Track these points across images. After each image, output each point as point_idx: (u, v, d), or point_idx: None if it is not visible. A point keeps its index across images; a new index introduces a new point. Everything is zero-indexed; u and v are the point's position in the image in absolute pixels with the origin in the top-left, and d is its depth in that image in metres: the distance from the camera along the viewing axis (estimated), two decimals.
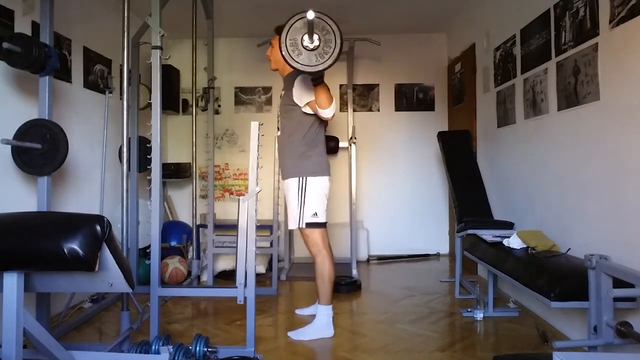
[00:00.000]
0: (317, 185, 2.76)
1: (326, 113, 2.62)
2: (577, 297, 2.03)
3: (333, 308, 3.04)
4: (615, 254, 2.10)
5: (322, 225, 2.78)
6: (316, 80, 2.48)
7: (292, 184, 2.78)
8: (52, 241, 1.59)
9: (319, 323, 2.72)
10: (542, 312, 2.92)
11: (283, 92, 2.89)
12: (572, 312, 2.55)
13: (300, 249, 4.61)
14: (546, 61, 2.84)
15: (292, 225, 2.80)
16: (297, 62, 2.30)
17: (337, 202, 4.84)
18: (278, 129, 2.91)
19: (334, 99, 2.61)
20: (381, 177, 5.19)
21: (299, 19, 2.30)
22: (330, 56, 2.30)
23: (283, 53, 2.29)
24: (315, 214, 2.76)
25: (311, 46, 2.29)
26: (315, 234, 2.76)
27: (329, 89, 2.58)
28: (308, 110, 2.72)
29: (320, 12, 2.30)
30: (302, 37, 2.28)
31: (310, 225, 2.75)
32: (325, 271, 2.75)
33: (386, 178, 5.19)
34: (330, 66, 2.33)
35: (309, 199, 2.75)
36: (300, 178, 2.76)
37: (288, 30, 2.31)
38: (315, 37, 2.28)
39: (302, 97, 2.69)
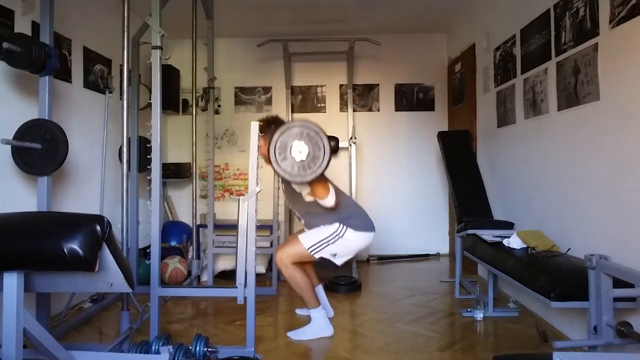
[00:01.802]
0: (359, 239, 2.74)
1: (326, 203, 2.64)
2: (577, 297, 2.03)
3: (333, 308, 3.06)
4: (615, 254, 2.10)
5: (332, 264, 2.74)
6: None
7: (330, 226, 2.72)
8: (52, 241, 1.59)
9: (317, 324, 2.73)
10: (542, 312, 2.92)
11: (283, 185, 2.91)
12: (572, 312, 2.55)
13: None
14: (546, 61, 2.84)
15: (306, 244, 2.70)
16: (279, 166, 2.39)
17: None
18: (299, 219, 2.93)
19: (330, 188, 2.63)
20: (381, 177, 5.19)
21: (298, 127, 2.39)
22: (313, 172, 2.39)
23: (270, 153, 2.38)
24: (335, 255, 2.72)
25: (298, 158, 2.38)
26: (305, 257, 2.72)
27: (323, 181, 2.59)
28: (310, 198, 2.72)
29: (319, 127, 2.40)
30: (292, 145, 2.38)
31: (322, 259, 2.72)
32: (297, 281, 2.71)
33: (386, 178, 5.19)
34: (308, 181, 2.43)
35: (339, 244, 2.70)
36: (342, 225, 2.71)
37: (283, 132, 2.39)
38: (306, 149, 2.37)
39: (301, 188, 2.72)
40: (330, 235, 2.70)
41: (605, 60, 2.28)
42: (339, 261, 2.75)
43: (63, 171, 3.06)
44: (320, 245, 2.70)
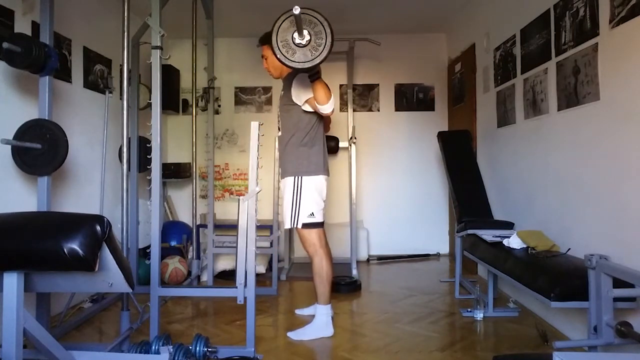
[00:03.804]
0: (312, 185, 2.76)
1: (325, 108, 2.61)
2: (577, 297, 2.02)
3: (333, 308, 3.05)
4: (615, 254, 2.10)
5: (319, 225, 2.78)
6: (313, 76, 2.48)
7: (288, 182, 2.78)
8: (52, 241, 1.58)
9: (319, 323, 2.72)
10: (542, 312, 2.92)
11: (282, 92, 2.89)
12: (572, 312, 2.55)
13: (300, 249, 4.61)
14: (546, 61, 2.84)
15: (288, 224, 2.79)
16: (293, 61, 2.32)
17: (337, 202, 4.84)
18: (279, 128, 2.91)
19: (332, 94, 2.61)
20: (381, 177, 5.19)
21: (285, 19, 2.33)
22: (324, 47, 2.33)
23: (278, 56, 2.31)
24: (312, 214, 2.75)
25: (303, 42, 2.31)
26: (313, 235, 2.76)
27: (326, 85, 2.57)
28: (307, 107, 2.71)
29: (304, 7, 2.30)
30: (292, 36, 2.31)
31: (306, 225, 2.75)
32: (323, 271, 2.74)
33: (386, 178, 5.19)
34: (326, 57, 2.35)
35: (305, 198, 2.74)
36: (296, 177, 2.76)
37: (277, 33, 2.33)
38: (305, 32, 2.31)
39: (300, 95, 2.70)
40: (294, 195, 2.74)
41: (605, 60, 2.28)
42: (319, 216, 2.76)
43: (63, 171, 3.06)
44: (295, 213, 2.73)
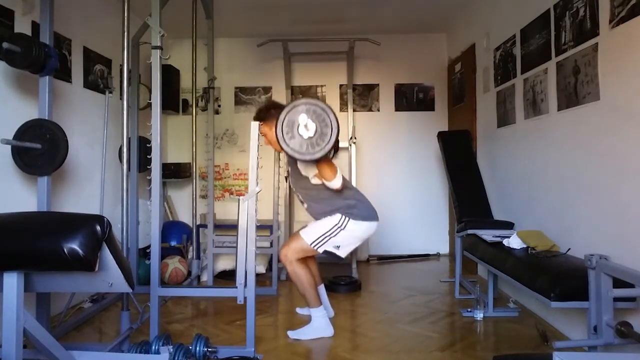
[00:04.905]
0: (361, 229, 2.71)
1: (333, 185, 2.62)
2: (577, 297, 2.02)
3: (333, 308, 3.06)
4: (615, 254, 2.10)
5: (333, 256, 2.72)
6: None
7: (335, 216, 2.70)
8: (52, 241, 1.59)
9: (317, 324, 2.72)
10: (542, 312, 2.92)
11: (289, 168, 2.90)
12: (572, 312, 2.55)
13: None
14: (546, 61, 2.84)
15: (307, 239, 2.69)
16: (288, 145, 2.37)
17: None
18: (301, 202, 2.89)
19: (337, 169, 2.61)
20: (381, 177, 5.19)
21: (305, 104, 2.37)
22: (322, 149, 2.37)
23: (277, 132, 2.36)
24: (339, 247, 2.70)
25: (305, 135, 2.36)
26: (309, 252, 2.71)
27: (330, 162, 2.58)
28: (316, 181, 2.70)
29: (325, 104, 2.38)
30: (299, 123, 2.36)
31: (326, 252, 2.70)
32: (301, 279, 2.71)
33: (386, 178, 5.19)
34: (318, 159, 2.41)
35: (341, 236, 2.68)
36: (344, 216, 2.69)
37: (290, 110, 2.37)
38: (313, 126, 2.35)
39: (307, 170, 2.71)
40: (332, 227, 2.68)
41: (605, 60, 2.28)
42: (343, 252, 2.73)
43: (63, 171, 3.06)
44: (323, 239, 2.68)
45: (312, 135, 2.35)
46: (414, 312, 3.15)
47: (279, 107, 2.70)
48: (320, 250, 2.69)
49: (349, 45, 4.68)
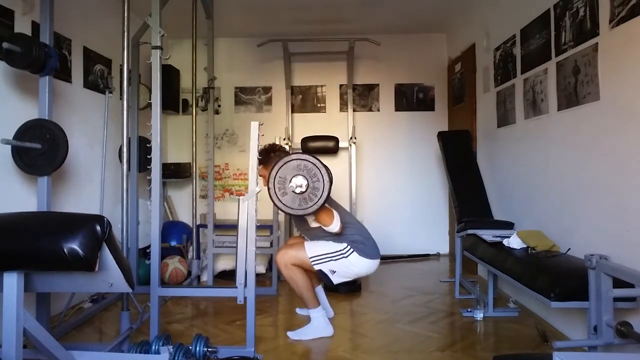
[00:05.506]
0: (362, 265, 2.71)
1: (331, 229, 2.64)
2: (577, 297, 2.02)
3: (333, 308, 3.06)
4: (615, 254, 2.10)
5: (328, 279, 2.72)
6: None
7: (341, 243, 2.70)
8: (52, 241, 1.59)
9: (316, 324, 2.73)
10: (542, 312, 2.92)
11: None
12: (572, 312, 2.55)
13: None
14: (546, 61, 2.84)
15: (309, 253, 2.69)
16: (280, 201, 2.43)
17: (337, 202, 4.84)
18: (306, 239, 2.90)
19: (335, 215, 2.63)
20: (381, 177, 5.19)
21: (295, 159, 2.42)
22: (314, 204, 2.42)
23: (269, 189, 2.42)
24: (334, 272, 2.70)
25: (297, 191, 2.40)
26: (305, 264, 2.70)
27: (326, 208, 2.59)
28: (316, 224, 2.73)
29: (315, 158, 2.41)
30: (291, 179, 2.41)
31: (321, 272, 2.70)
32: (297, 281, 2.71)
33: (386, 178, 5.19)
34: (310, 214, 2.45)
35: (341, 264, 2.68)
36: (349, 247, 2.69)
37: (281, 167, 2.41)
38: (304, 182, 2.39)
39: (306, 216, 2.71)
40: (336, 252, 2.69)
41: (605, 60, 2.28)
42: (335, 279, 2.73)
43: (63, 171, 3.06)
44: (323, 259, 2.69)
45: (304, 190, 2.40)
46: (414, 312, 3.15)
47: (278, 152, 2.78)
48: (316, 267, 2.70)
49: (349, 45, 4.69)
